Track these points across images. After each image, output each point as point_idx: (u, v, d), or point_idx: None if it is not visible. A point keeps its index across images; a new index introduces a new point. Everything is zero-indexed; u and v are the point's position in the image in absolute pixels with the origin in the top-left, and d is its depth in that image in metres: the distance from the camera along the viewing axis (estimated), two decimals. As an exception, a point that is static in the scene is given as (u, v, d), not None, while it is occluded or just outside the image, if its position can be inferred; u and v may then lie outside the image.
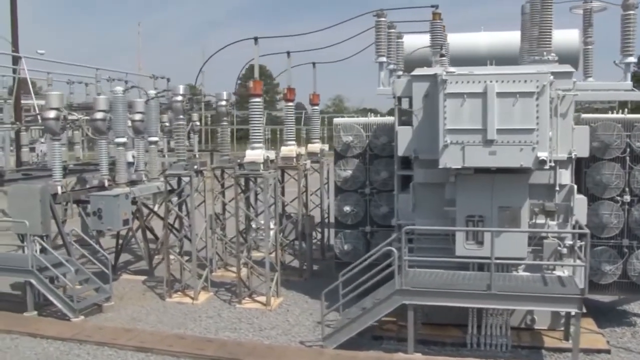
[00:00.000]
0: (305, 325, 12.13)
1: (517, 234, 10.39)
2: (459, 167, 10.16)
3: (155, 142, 16.49)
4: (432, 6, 12.22)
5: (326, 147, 17.88)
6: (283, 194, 17.02)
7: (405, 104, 11.97)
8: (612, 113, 11.88)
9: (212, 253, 15.95)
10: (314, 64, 16.65)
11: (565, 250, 10.79)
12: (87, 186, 14.71)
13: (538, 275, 10.55)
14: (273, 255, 13.64)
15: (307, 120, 35.32)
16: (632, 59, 11.71)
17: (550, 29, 11.08)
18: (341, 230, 13.65)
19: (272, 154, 13.56)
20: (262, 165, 12.93)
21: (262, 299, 13.39)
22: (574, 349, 9.76)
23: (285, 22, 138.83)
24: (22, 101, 24.49)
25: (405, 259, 10.21)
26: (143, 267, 16.82)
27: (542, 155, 9.77)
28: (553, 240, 10.84)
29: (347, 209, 13.48)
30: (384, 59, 13.07)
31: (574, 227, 10.76)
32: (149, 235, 16.89)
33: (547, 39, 11.09)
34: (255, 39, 13.05)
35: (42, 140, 27.10)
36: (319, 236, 17.84)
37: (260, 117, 13.20)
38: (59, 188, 13.36)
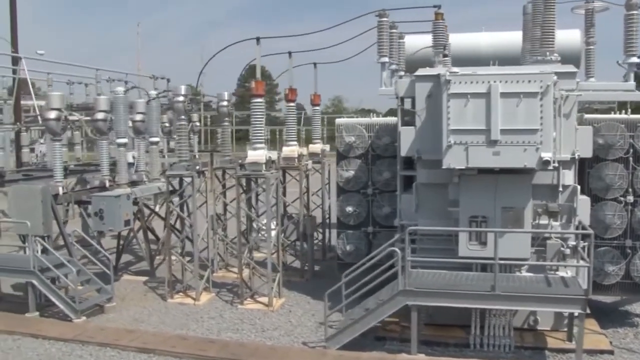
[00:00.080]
0: (307, 326, 12.11)
1: (520, 234, 10.38)
2: (463, 167, 10.14)
3: (156, 143, 16.45)
4: (435, 6, 12.19)
5: (327, 147, 17.87)
6: (284, 194, 17.00)
7: (407, 104, 11.98)
8: (614, 113, 11.88)
9: (213, 254, 15.91)
10: (315, 64, 16.66)
11: (568, 251, 10.77)
12: (88, 187, 14.69)
13: (541, 275, 10.55)
14: (275, 255, 13.62)
15: (306, 121, 35.30)
16: (635, 59, 11.69)
17: (553, 29, 11.08)
18: (343, 231, 13.64)
19: (274, 155, 13.54)
20: (264, 166, 12.91)
21: (264, 299, 13.37)
22: (577, 349, 9.75)
23: (285, 22, 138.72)
24: (22, 102, 24.40)
25: (408, 260, 10.19)
26: (144, 267, 16.81)
27: (546, 155, 9.76)
28: (556, 240, 10.82)
29: (349, 209, 13.46)
30: (386, 59, 13.06)
31: (577, 228, 10.74)
32: (150, 236, 16.87)
33: (550, 39, 11.08)
34: (257, 39, 13.03)
35: (42, 141, 27.03)
36: (320, 237, 17.83)
37: (262, 118, 13.17)
38: (60, 189, 13.32)
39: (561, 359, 10.36)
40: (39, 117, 19.47)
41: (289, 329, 11.94)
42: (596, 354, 10.43)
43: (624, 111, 11.71)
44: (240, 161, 14.23)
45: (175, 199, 15.05)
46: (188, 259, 14.42)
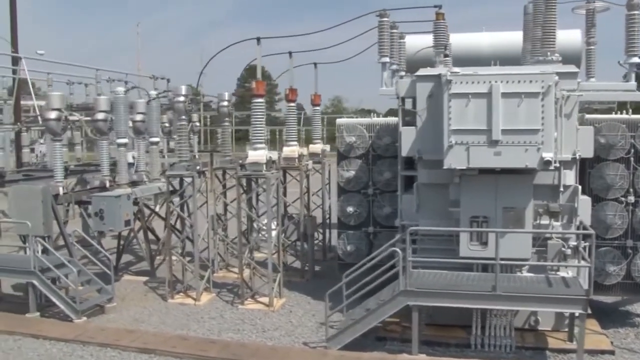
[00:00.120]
0: (308, 326, 12.10)
1: (521, 234, 10.38)
2: (464, 167, 10.13)
3: (156, 143, 16.45)
4: (436, 6, 12.18)
5: (327, 147, 17.86)
6: (285, 194, 16.99)
7: (408, 105, 11.97)
8: (615, 113, 11.87)
9: (213, 254, 15.90)
10: (315, 64, 16.65)
11: (569, 251, 10.78)
12: (89, 187, 14.68)
13: (542, 276, 10.55)
14: (275, 256, 13.61)
15: (306, 121, 35.27)
16: (636, 59, 11.67)
17: (554, 30, 11.06)
18: (344, 231, 13.63)
19: (274, 155, 13.53)
20: (264, 166, 12.90)
21: (265, 300, 13.36)
22: (578, 349, 9.75)
23: (286, 23, 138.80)
24: (21, 102, 24.39)
25: (409, 260, 10.18)
26: (144, 267, 16.80)
27: (547, 155, 9.75)
28: (557, 241, 10.82)
29: (350, 209, 13.45)
30: (386, 59, 13.04)
31: (578, 228, 10.74)
32: (150, 236, 16.86)
33: (551, 39, 11.07)
34: (258, 39, 13.02)
35: (41, 141, 27.04)
36: (321, 237, 17.82)
37: (263, 118, 13.17)
38: (61, 189, 13.31)
39: (562, 359, 10.36)
40: (39, 117, 19.47)
41: (289, 329, 11.93)
42: (597, 354, 10.43)
43: (624, 111, 11.70)
44: (240, 161, 14.22)
45: (176, 199, 15.05)
46: (188, 259, 14.42)
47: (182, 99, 13.58)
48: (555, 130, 10.07)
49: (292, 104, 15.66)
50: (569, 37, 13.26)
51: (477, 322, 10.59)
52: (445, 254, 10.86)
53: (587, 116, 11.59)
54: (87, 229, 16.61)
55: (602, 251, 11.59)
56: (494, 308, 10.30)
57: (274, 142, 37.85)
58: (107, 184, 14.35)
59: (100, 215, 13.27)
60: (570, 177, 10.79)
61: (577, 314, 9.98)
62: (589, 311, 9.96)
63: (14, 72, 22.04)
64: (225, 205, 17.00)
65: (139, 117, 15.61)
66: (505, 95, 9.81)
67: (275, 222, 14.77)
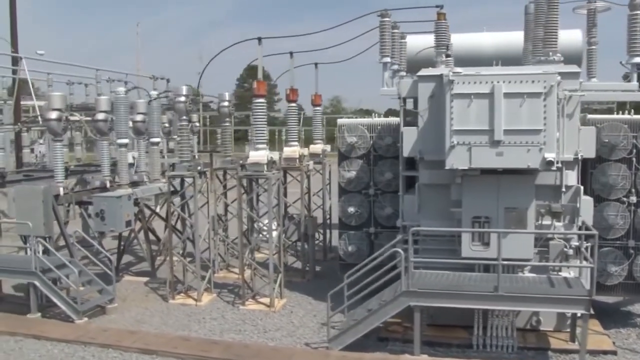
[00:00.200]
0: (309, 327, 12.09)
1: (523, 235, 10.37)
2: (466, 168, 10.12)
3: (157, 143, 16.43)
4: (437, 6, 12.16)
5: (327, 147, 17.84)
6: (285, 195, 16.97)
7: (409, 105, 11.95)
8: (617, 114, 11.87)
9: (214, 254, 15.88)
10: (316, 64, 16.63)
11: (571, 252, 10.78)
12: (89, 187, 14.65)
13: (544, 276, 10.54)
14: (276, 256, 13.59)
15: (305, 121, 35.27)
16: (639, 59, 11.64)
17: (557, 30, 11.05)
18: (345, 232, 13.61)
19: (275, 155, 13.52)
20: (265, 166, 12.89)
21: (266, 300, 13.35)
22: (581, 350, 9.74)
23: (285, 23, 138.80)
24: (21, 102, 24.36)
25: (411, 261, 10.17)
26: (145, 268, 16.78)
27: (550, 156, 9.74)
28: (559, 241, 10.82)
29: (351, 210, 13.43)
30: (388, 59, 13.01)
31: (580, 228, 10.73)
32: (151, 237, 16.83)
33: (553, 39, 11.06)
34: (259, 39, 13.00)
35: (41, 141, 27.01)
36: (321, 237, 17.81)
37: (264, 118, 13.15)
38: (61, 189, 13.29)
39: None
40: (40, 118, 19.44)
41: (291, 330, 11.91)
42: (599, 354, 10.42)
43: (627, 111, 11.69)
44: (241, 162, 14.20)
45: (177, 200, 15.03)
46: (189, 259, 14.41)
47: (183, 99, 13.56)
48: (558, 130, 10.06)
49: (293, 104, 15.64)
50: (569, 37, 13.24)
51: (478, 323, 10.59)
52: (447, 255, 10.86)
53: (589, 116, 11.58)
54: (87, 229, 16.61)
55: (604, 251, 11.57)
56: (496, 309, 10.29)
57: (273, 142, 37.84)
58: (108, 185, 14.33)
59: (101, 215, 13.25)
60: (572, 177, 10.78)
61: (578, 314, 9.97)
62: (592, 311, 9.96)
63: (14, 72, 22.02)
64: (226, 205, 16.99)
65: (139, 118, 15.59)
66: (507, 95, 9.79)
67: (275, 223, 14.76)
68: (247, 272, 13.99)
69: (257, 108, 13.03)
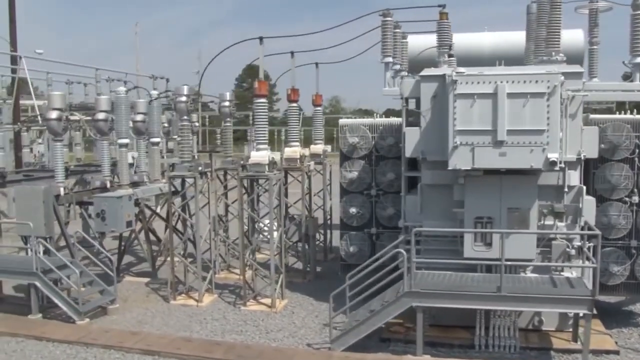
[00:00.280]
0: (311, 328, 12.06)
1: (525, 235, 10.35)
2: (469, 168, 10.10)
3: (157, 144, 16.41)
4: (439, 6, 12.14)
5: (328, 147, 17.81)
6: (286, 195, 16.93)
7: (411, 105, 11.93)
8: (617, 114, 11.86)
9: (215, 255, 15.85)
10: (316, 64, 16.59)
11: (573, 252, 10.76)
12: (89, 187, 14.61)
13: (547, 276, 10.53)
14: (277, 257, 13.56)
15: (304, 121, 35.20)
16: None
17: (559, 29, 11.03)
18: (347, 232, 13.57)
19: (277, 156, 13.49)
20: (267, 167, 12.86)
21: (267, 301, 13.33)
22: (584, 350, 9.74)
23: (285, 23, 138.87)
24: (20, 101, 24.29)
25: (414, 261, 10.15)
26: (145, 268, 16.74)
27: (553, 156, 9.72)
28: (561, 241, 10.81)
29: (352, 210, 13.40)
30: (390, 59, 13.00)
31: (582, 229, 10.72)
32: (151, 237, 16.79)
33: (556, 39, 11.03)
34: (261, 38, 12.97)
35: (40, 141, 26.94)
36: (322, 238, 17.78)
37: (265, 118, 13.13)
38: (62, 189, 13.25)
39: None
40: (39, 117, 19.40)
41: (293, 331, 11.89)
42: (602, 354, 10.43)
43: (629, 111, 11.68)
44: (242, 162, 14.17)
45: (177, 200, 15.00)
46: (190, 260, 14.38)
47: (184, 99, 13.53)
48: (561, 130, 10.03)
49: (294, 104, 15.61)
50: (570, 36, 13.23)
51: (480, 323, 10.58)
52: (449, 255, 10.84)
53: (592, 116, 11.57)
54: (87, 229, 16.58)
55: (606, 251, 11.56)
56: (499, 309, 10.27)
57: (272, 142, 37.79)
58: (108, 185, 14.29)
59: (101, 216, 13.20)
60: (574, 177, 10.78)
61: (581, 314, 9.96)
62: (595, 311, 9.96)
63: (13, 71, 21.96)
64: (227, 206, 16.95)
65: (139, 118, 15.55)
66: (510, 95, 9.77)
67: (276, 223, 14.73)
68: (248, 273, 13.96)
69: (259, 108, 13.00)
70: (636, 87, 11.64)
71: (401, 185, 12.09)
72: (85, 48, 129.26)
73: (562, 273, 10.71)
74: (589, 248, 10.32)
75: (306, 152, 15.94)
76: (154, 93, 17.13)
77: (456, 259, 10.71)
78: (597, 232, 9.74)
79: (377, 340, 11.10)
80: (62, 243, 14.47)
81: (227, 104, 15.77)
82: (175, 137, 18.17)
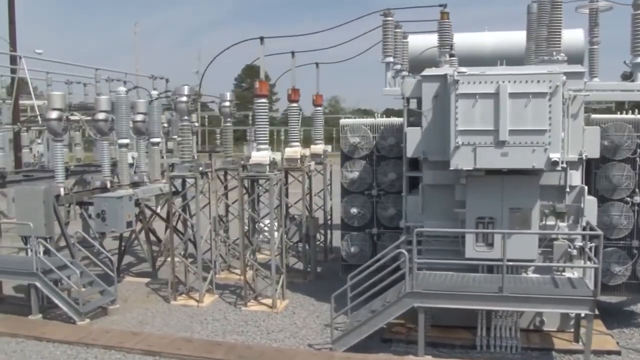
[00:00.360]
0: (312, 328, 12.04)
1: (527, 235, 10.34)
2: (471, 168, 10.08)
3: (157, 144, 16.38)
4: (440, 5, 12.12)
5: (329, 148, 17.79)
6: (287, 195, 16.91)
7: (413, 105, 11.91)
8: (619, 114, 11.85)
9: (215, 255, 15.82)
10: (317, 64, 16.57)
11: (575, 252, 10.75)
12: (89, 187, 14.58)
13: (548, 277, 10.52)
14: (278, 257, 13.54)
15: (303, 121, 35.18)
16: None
17: (560, 29, 11.02)
18: (348, 233, 13.54)
19: (277, 156, 13.46)
20: (268, 167, 12.83)
21: (268, 301, 13.31)
22: (586, 350, 9.72)
23: (285, 23, 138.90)
24: (20, 102, 24.25)
25: (415, 262, 10.13)
26: (146, 269, 16.71)
27: (555, 156, 9.71)
28: (563, 241, 10.79)
29: (353, 211, 13.38)
30: (390, 59, 12.98)
31: (584, 229, 10.70)
32: (152, 237, 16.76)
33: (557, 39, 11.02)
34: (261, 38, 12.95)
35: (39, 141, 26.91)
36: (322, 238, 17.76)
37: (266, 118, 13.11)
38: (62, 189, 13.23)
39: (569, 360, 10.36)
40: (39, 117, 19.37)
41: (294, 331, 11.87)
42: (603, 354, 10.41)
43: (629, 111, 11.67)
44: (242, 162, 14.15)
45: (178, 200, 14.97)
46: (190, 260, 14.35)
47: (184, 99, 13.50)
48: (562, 130, 10.02)
49: (295, 104, 15.59)
50: (571, 36, 13.22)
51: (482, 323, 10.56)
52: (450, 255, 10.83)
53: (593, 116, 11.56)
54: (87, 229, 16.55)
55: (608, 251, 11.54)
56: (501, 309, 10.26)
57: (272, 142, 37.77)
58: (108, 185, 14.26)
59: (102, 216, 13.17)
60: (576, 177, 10.76)
61: (582, 315, 9.94)
62: (597, 312, 9.94)
63: (13, 71, 21.92)
64: (227, 206, 16.93)
65: (139, 118, 15.52)
66: (512, 95, 9.75)
67: (276, 223, 14.70)
68: (249, 273, 13.93)
69: (259, 108, 12.98)
70: (637, 87, 11.63)
71: (402, 185, 12.08)
72: (85, 48, 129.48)
73: (563, 273, 10.70)
74: (590, 248, 10.32)
75: (307, 152, 15.91)
76: (154, 93, 17.10)
77: (458, 259, 10.69)
78: (599, 232, 9.73)
79: (378, 340, 11.08)
80: (62, 243, 14.44)
81: (227, 104, 15.74)
82: (175, 137, 18.15)
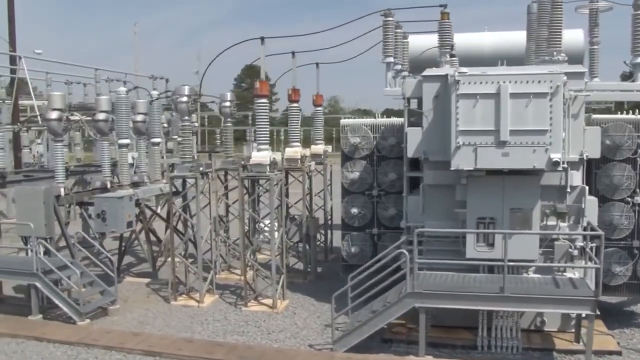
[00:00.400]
0: (313, 328, 12.03)
1: (527, 235, 10.33)
2: (471, 168, 10.08)
3: (157, 144, 16.37)
4: (441, 5, 12.11)
5: (329, 148, 17.78)
6: (287, 195, 16.91)
7: (413, 105, 11.91)
8: (619, 114, 11.85)
9: (216, 255, 15.81)
10: (317, 64, 16.56)
11: (576, 252, 10.74)
12: (89, 188, 14.56)
13: (549, 277, 10.52)
14: (278, 257, 13.53)
15: (303, 121, 35.19)
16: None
17: (561, 29, 11.00)
18: (348, 233, 13.54)
19: (277, 156, 13.46)
20: (268, 167, 12.82)
21: (268, 301, 13.30)
22: (587, 350, 9.72)
23: (285, 23, 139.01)
24: (20, 102, 24.22)
25: (416, 262, 10.13)
26: (146, 269, 16.70)
27: (555, 156, 9.71)
28: (564, 242, 10.78)
29: (354, 211, 13.37)
30: (391, 59, 12.96)
31: (585, 229, 10.70)
32: (152, 237, 16.74)
33: (557, 39, 11.00)
34: (262, 38, 12.94)
35: (39, 141, 26.90)
36: (322, 238, 17.75)
37: (266, 118, 13.09)
38: (62, 190, 13.21)
39: (570, 360, 10.35)
40: (39, 118, 19.35)
41: (294, 331, 11.86)
42: (604, 354, 10.41)
43: (629, 111, 11.67)
44: (243, 162, 14.14)
45: (178, 200, 14.96)
46: (190, 260, 14.34)
47: (185, 99, 13.49)
48: (563, 130, 10.02)
49: (295, 104, 15.58)
50: (571, 36, 13.21)
51: (483, 324, 10.55)
52: (451, 256, 10.81)
53: (594, 116, 11.55)
54: (87, 229, 16.53)
55: (609, 252, 11.53)
56: (503, 310, 10.25)
57: (272, 142, 37.77)
58: (109, 185, 14.25)
59: (102, 216, 13.16)
60: (577, 177, 10.75)
61: (583, 315, 9.94)
62: (598, 312, 9.94)
63: (13, 71, 21.90)
64: (228, 206, 16.91)
65: (139, 118, 15.51)
66: (513, 95, 9.75)
67: (276, 223, 14.70)
68: (249, 273, 13.92)
69: (260, 108, 12.97)
70: (637, 87, 11.63)
71: (403, 185, 12.07)
72: (85, 48, 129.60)
73: (564, 274, 10.70)
74: (591, 248, 10.31)
75: (307, 152, 15.90)
76: (154, 93, 17.08)
77: (458, 259, 10.68)
78: (600, 232, 9.73)
79: (379, 341, 11.07)
80: (63, 243, 14.42)
81: (227, 104, 15.73)
82: (175, 137, 18.14)
